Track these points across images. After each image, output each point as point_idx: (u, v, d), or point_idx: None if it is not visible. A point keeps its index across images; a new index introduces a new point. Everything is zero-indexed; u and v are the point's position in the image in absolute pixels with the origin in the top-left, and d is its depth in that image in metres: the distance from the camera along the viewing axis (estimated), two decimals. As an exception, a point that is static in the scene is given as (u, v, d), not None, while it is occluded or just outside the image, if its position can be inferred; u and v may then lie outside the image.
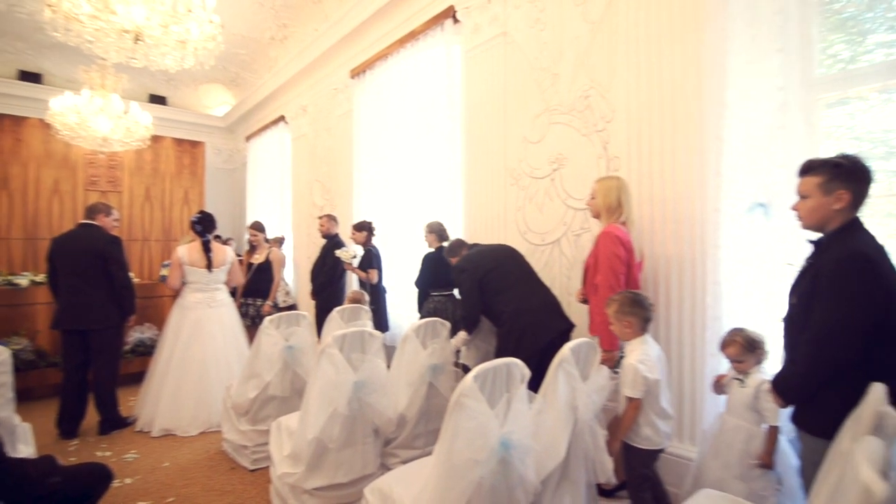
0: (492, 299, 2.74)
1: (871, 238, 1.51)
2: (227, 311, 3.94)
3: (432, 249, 3.84)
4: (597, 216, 2.53)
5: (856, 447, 1.01)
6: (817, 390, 1.51)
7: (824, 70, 2.33)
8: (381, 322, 4.22)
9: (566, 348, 1.76)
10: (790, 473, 1.86)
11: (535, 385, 1.76)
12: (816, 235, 1.64)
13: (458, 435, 1.43)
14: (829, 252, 1.52)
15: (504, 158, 3.58)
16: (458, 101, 4.02)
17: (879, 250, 1.48)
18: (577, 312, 2.80)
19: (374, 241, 4.54)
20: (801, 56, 2.34)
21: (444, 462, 1.46)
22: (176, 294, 3.87)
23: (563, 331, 2.62)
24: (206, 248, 3.85)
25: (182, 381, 3.59)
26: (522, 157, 3.44)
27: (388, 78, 4.77)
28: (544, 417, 1.71)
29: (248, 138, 8.18)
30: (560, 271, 3.17)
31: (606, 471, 1.89)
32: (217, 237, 5.56)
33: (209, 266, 3.81)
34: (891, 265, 1.47)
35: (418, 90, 4.40)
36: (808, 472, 1.55)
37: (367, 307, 3.70)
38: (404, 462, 2.35)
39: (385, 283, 4.46)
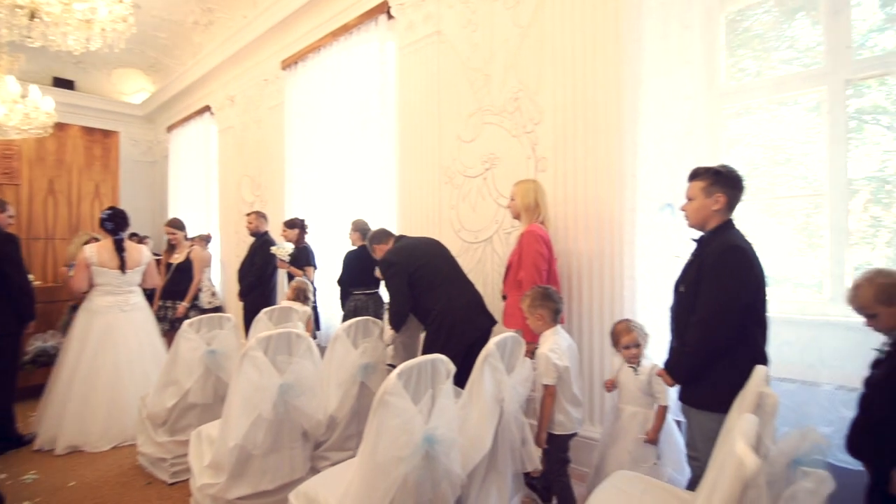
0: (422, 296, 2.69)
1: (742, 235, 1.77)
2: (141, 315, 3.66)
3: (355, 247, 3.83)
4: (517, 217, 2.64)
5: (735, 424, 1.13)
6: (703, 368, 1.71)
7: (734, 82, 2.56)
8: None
9: (491, 343, 1.81)
10: (676, 449, 2.05)
11: (461, 381, 1.79)
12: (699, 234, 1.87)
13: (382, 433, 1.43)
14: (710, 246, 1.74)
15: (439, 156, 3.61)
16: (391, 97, 4.00)
17: (750, 245, 1.73)
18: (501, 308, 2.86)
19: (307, 238, 4.43)
20: (707, 68, 2.55)
21: (368, 461, 1.45)
22: (81, 298, 3.54)
23: (488, 328, 2.69)
24: (119, 248, 3.55)
25: (90, 393, 3.29)
26: (456, 156, 3.49)
27: (321, 71, 4.66)
28: (470, 411, 1.74)
29: (170, 129, 7.66)
30: (492, 268, 3.25)
31: (533, 460, 1.97)
32: (133, 235, 5.20)
33: (122, 267, 3.52)
34: (758, 258, 1.72)
35: (352, 85, 4.33)
36: (698, 444, 1.74)
37: (307, 304, 3.58)
38: (335, 464, 2.30)
39: (316, 281, 4.35)
